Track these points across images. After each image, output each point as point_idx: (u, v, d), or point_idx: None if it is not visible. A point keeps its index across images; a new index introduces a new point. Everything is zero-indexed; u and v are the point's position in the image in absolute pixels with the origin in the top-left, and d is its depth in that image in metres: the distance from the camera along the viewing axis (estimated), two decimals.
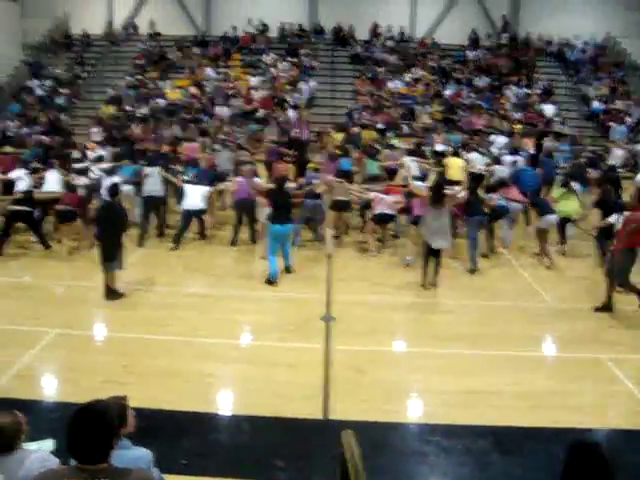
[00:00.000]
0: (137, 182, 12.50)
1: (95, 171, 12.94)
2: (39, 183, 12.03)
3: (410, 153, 15.02)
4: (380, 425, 6.22)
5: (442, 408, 6.59)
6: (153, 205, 12.40)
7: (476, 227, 11.15)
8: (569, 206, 11.95)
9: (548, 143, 18.30)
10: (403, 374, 7.36)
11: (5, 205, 11.57)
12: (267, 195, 10.99)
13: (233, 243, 12.24)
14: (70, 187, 11.82)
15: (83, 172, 12.83)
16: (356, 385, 7.01)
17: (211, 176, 12.89)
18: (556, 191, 12.72)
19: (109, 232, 9.16)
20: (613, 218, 10.09)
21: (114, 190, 9.84)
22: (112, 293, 9.24)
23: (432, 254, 10.07)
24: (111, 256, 9.09)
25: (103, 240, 9.19)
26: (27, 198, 11.40)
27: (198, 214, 12.21)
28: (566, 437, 3.60)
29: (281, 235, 10.25)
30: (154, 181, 12.26)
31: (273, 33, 28.06)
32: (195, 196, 11.94)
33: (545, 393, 6.93)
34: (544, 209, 11.75)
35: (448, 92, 24.83)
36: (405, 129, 20.47)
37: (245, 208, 12.10)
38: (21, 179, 11.87)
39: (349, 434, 4.03)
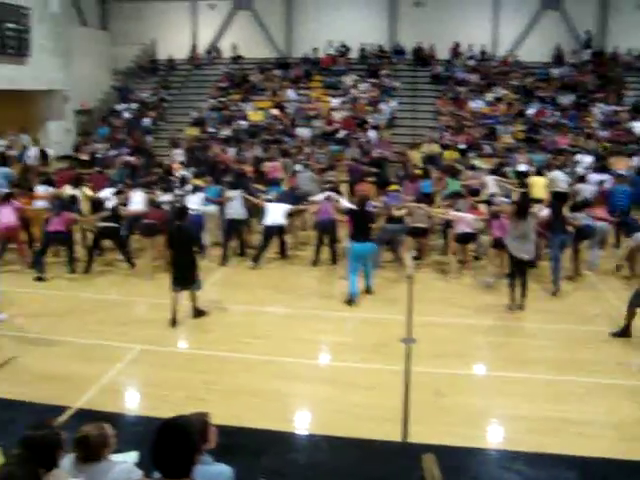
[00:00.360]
0: (220, 202, 12.71)
1: (178, 191, 13.30)
2: (124, 203, 12.43)
3: (492, 172, 14.78)
4: (460, 450, 6.06)
5: (526, 435, 6.37)
6: (235, 227, 12.60)
7: (559, 246, 10.81)
8: None
9: (638, 161, 17.65)
10: (485, 398, 7.18)
11: (94, 222, 12.00)
12: (348, 215, 10.96)
13: (314, 263, 12.27)
14: (154, 204, 12.13)
15: (167, 190, 13.20)
16: (436, 408, 6.88)
17: (293, 197, 13.01)
18: None
19: (182, 255, 9.21)
20: None
21: (182, 213, 9.88)
22: (197, 311, 9.40)
23: (518, 272, 9.83)
24: (187, 280, 9.17)
25: (176, 264, 9.26)
26: (114, 215, 11.80)
27: (279, 231, 12.31)
28: None
29: (361, 254, 10.19)
30: (237, 204, 12.43)
31: (353, 54, 28.24)
32: (276, 213, 12.08)
33: (636, 424, 6.59)
34: (634, 227, 11.30)
35: (531, 111, 24.33)
36: (487, 149, 20.18)
37: (326, 228, 12.14)
38: (108, 199, 12.33)
39: (430, 458, 3.95)
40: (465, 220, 11.45)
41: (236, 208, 12.42)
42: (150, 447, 2.94)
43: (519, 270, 9.85)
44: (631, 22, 26.61)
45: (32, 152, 20.32)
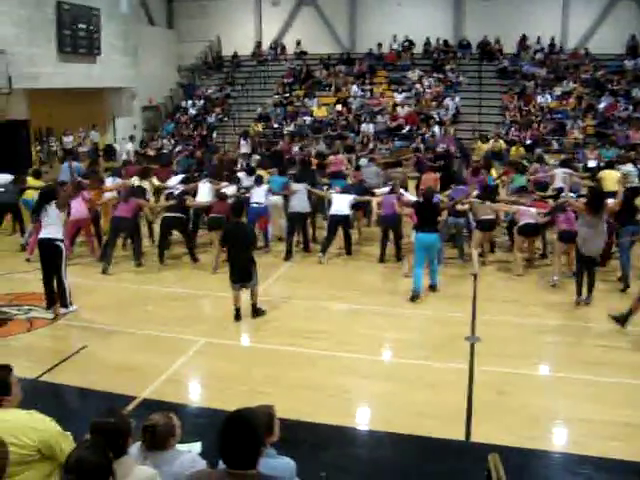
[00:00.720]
0: (285, 194, 12.78)
1: (244, 181, 13.39)
2: (191, 193, 12.59)
3: (562, 164, 14.41)
4: (524, 451, 5.92)
5: (593, 439, 6.17)
6: (299, 221, 12.64)
7: (629, 238, 10.45)
8: None
9: None
10: (550, 400, 7.00)
11: (160, 210, 12.21)
12: (413, 207, 10.82)
13: (380, 259, 12.20)
14: (221, 196, 12.20)
15: (234, 180, 13.34)
16: (499, 408, 6.75)
17: (358, 190, 12.92)
18: None
19: (239, 253, 9.14)
20: None
21: (239, 209, 9.85)
22: (255, 310, 9.33)
23: (585, 266, 9.58)
24: (245, 276, 9.09)
25: (234, 261, 9.22)
26: (180, 205, 11.98)
27: (344, 220, 12.26)
28: None
29: (427, 244, 10.01)
30: (301, 196, 12.46)
31: (418, 49, 28.00)
32: (341, 203, 12.09)
33: None
34: None
35: (602, 105, 23.62)
36: (554, 145, 19.72)
37: (390, 223, 12.05)
38: (176, 188, 12.56)
39: (496, 458, 3.88)
40: (528, 213, 11.22)
41: (300, 201, 12.43)
42: (216, 438, 2.98)
43: (587, 266, 9.59)
44: None
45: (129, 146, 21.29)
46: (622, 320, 8.71)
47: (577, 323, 9.22)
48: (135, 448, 3.81)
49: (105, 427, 3.40)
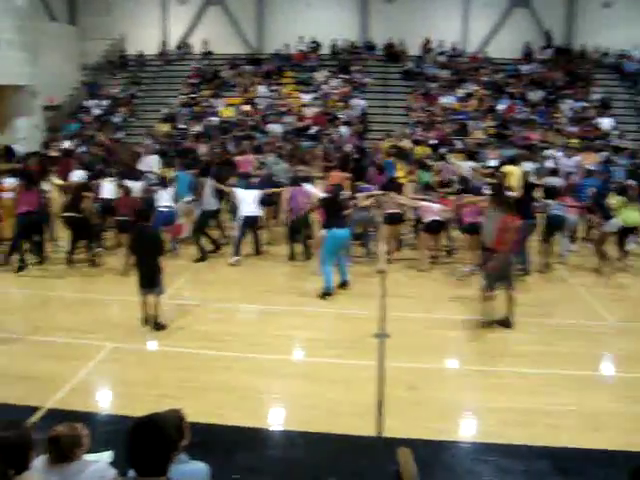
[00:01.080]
0: (195, 194, 12.59)
1: (151, 178, 13.11)
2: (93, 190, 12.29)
3: (470, 157, 14.87)
4: (433, 443, 6.11)
5: (498, 427, 6.43)
6: (209, 218, 12.51)
7: (527, 230, 10.89)
8: (632, 216, 11.44)
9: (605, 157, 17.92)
10: (458, 392, 7.24)
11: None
12: (321, 203, 10.90)
13: (290, 257, 12.28)
14: (126, 190, 11.91)
15: (137, 179, 13.11)
16: (409, 403, 6.91)
17: (264, 185, 12.88)
18: (615, 199, 12.02)
19: (145, 259, 8.83)
20: None
21: (145, 214, 9.43)
22: (155, 324, 8.90)
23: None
24: (150, 282, 8.80)
25: (140, 266, 8.91)
26: (75, 202, 11.57)
27: (254, 222, 12.21)
28: (628, 461, 3.45)
29: (338, 240, 10.13)
30: (207, 193, 12.30)
31: (325, 50, 28.25)
32: (249, 202, 11.98)
33: (607, 414, 6.70)
34: (608, 213, 11.43)
35: (501, 107, 24.56)
36: (458, 145, 20.32)
37: (299, 218, 12.10)
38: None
39: (405, 452, 3.97)
40: (433, 209, 11.50)
41: (207, 198, 12.29)
42: (125, 446, 2.91)
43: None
44: (597, 20, 27.03)
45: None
46: (506, 323, 9.08)
47: (478, 317, 9.52)
48: (39, 462, 3.67)
49: (3, 441, 3.23)
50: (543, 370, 7.72)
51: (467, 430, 6.66)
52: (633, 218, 11.42)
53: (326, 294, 10.04)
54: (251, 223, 12.15)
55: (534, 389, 7.26)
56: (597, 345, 8.66)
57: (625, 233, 11.57)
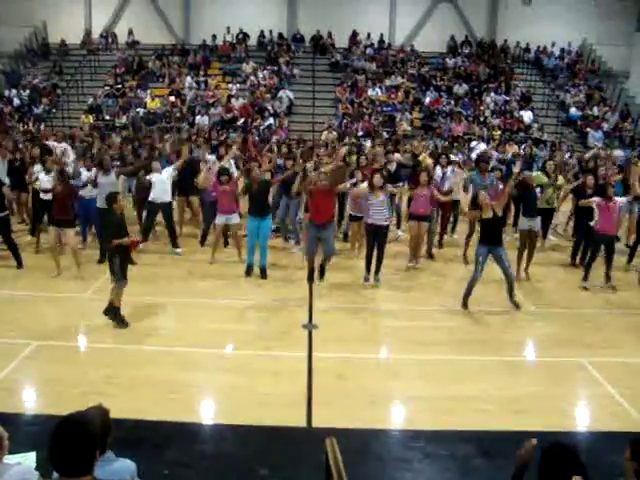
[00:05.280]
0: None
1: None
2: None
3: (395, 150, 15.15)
4: (363, 432, 6.21)
5: (426, 414, 6.61)
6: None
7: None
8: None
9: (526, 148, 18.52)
10: (386, 380, 7.37)
11: None
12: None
13: (201, 243, 12.45)
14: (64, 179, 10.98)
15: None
16: (339, 392, 7.01)
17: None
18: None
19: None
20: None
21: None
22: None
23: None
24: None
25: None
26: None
27: (164, 207, 11.91)
28: (545, 440, 3.62)
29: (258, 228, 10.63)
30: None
31: (252, 41, 28.08)
32: (159, 186, 11.72)
33: (528, 397, 6.98)
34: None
35: (427, 99, 25.01)
36: (385, 136, 20.58)
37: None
38: None
39: (333, 441, 4.03)
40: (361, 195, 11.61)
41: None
42: (48, 446, 2.85)
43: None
44: (518, 16, 27.81)
45: None
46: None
47: (407, 307, 9.75)
48: None
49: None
50: (466, 357, 7.96)
51: (396, 418, 6.82)
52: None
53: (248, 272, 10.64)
54: (161, 209, 11.99)
55: (459, 376, 7.46)
56: (515, 330, 9.04)
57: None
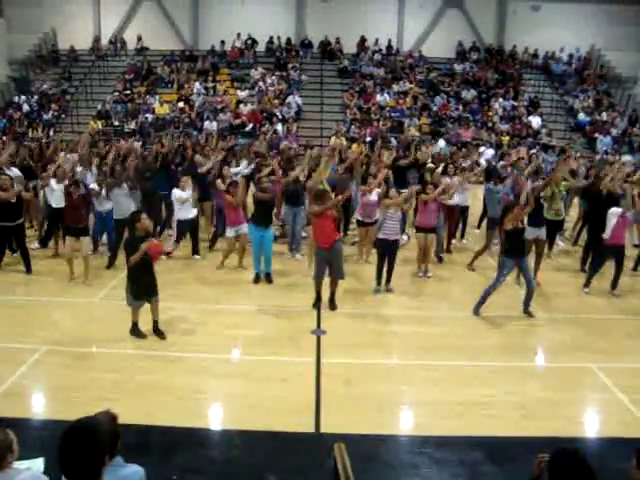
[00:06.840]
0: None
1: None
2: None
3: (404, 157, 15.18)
4: (372, 438, 6.20)
5: (434, 420, 6.60)
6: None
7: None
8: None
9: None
10: (394, 386, 7.36)
11: None
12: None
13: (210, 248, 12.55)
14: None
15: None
16: (347, 398, 7.00)
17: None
18: None
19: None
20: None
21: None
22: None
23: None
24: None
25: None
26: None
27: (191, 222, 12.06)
28: (554, 445, 3.60)
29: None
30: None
31: (261, 47, 28.16)
32: (186, 204, 11.83)
33: (537, 403, 6.96)
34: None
35: (436, 105, 25.01)
36: (393, 142, 20.59)
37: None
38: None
39: (341, 447, 4.03)
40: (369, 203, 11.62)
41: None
42: (57, 451, 2.86)
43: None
44: (526, 22, 27.77)
45: None
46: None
47: (416, 312, 9.74)
48: None
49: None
50: (475, 363, 7.95)
51: (404, 423, 6.81)
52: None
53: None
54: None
55: (467, 382, 7.45)
56: (524, 336, 9.00)
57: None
